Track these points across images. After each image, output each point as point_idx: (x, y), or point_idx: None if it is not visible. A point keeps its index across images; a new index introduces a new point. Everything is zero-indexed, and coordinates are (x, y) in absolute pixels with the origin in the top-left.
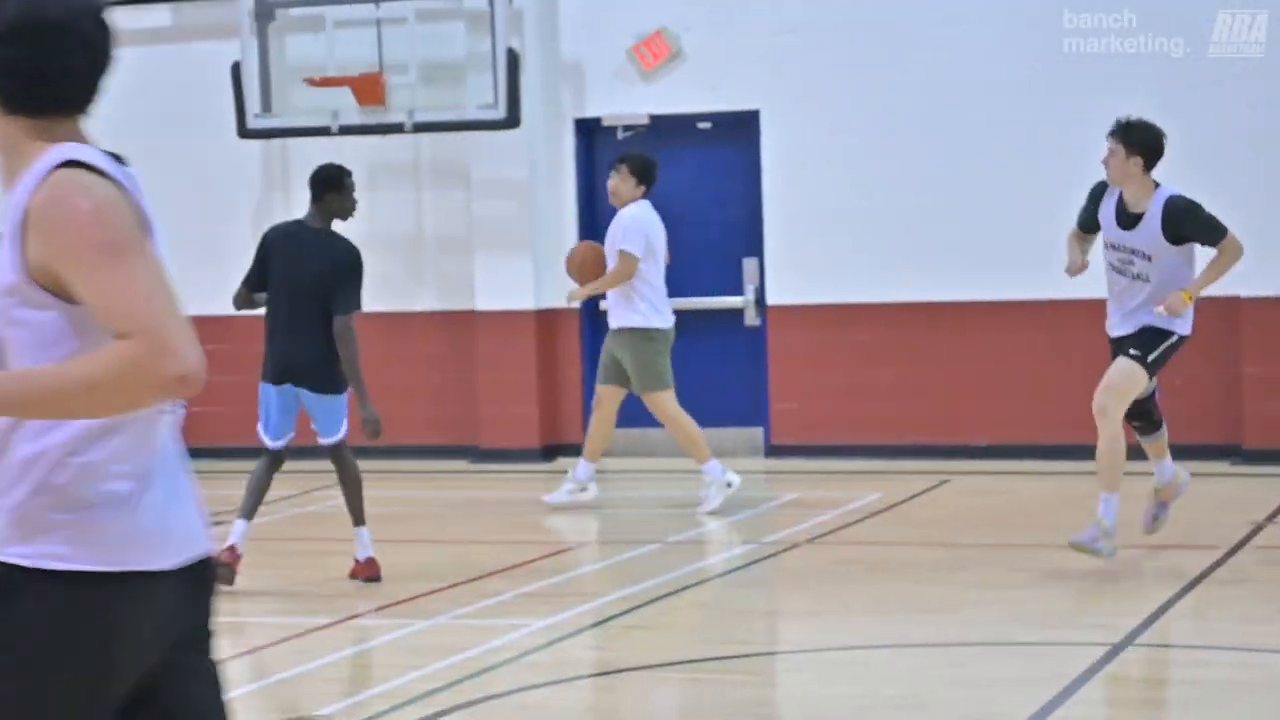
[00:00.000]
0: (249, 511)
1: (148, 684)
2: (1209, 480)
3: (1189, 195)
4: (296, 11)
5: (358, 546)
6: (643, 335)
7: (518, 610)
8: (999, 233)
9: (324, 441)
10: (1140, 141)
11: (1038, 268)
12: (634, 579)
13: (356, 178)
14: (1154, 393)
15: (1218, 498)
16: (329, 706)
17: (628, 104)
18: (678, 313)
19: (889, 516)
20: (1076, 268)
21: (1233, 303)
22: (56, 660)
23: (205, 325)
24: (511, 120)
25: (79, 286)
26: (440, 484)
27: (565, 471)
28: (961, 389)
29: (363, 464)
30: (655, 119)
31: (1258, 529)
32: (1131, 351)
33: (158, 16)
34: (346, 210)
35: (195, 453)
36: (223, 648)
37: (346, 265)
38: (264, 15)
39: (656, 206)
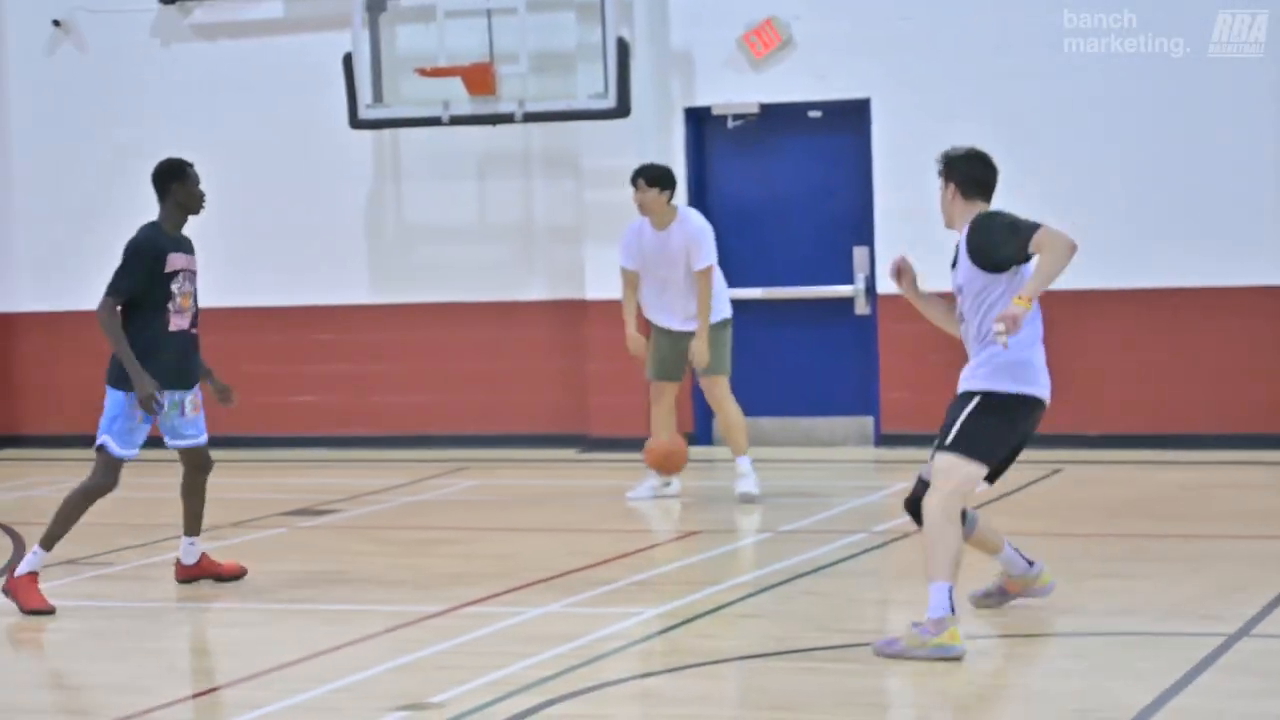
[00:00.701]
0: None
1: None
2: None
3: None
4: (408, 2)
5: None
6: (721, 324)
7: (629, 599)
8: (1111, 219)
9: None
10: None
11: (1143, 257)
12: (746, 568)
13: (467, 167)
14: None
15: None
16: (440, 694)
17: (738, 93)
18: (787, 301)
19: (1000, 505)
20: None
21: None
22: None
23: (316, 314)
24: (621, 109)
25: None
26: (550, 473)
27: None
28: (1074, 377)
29: (473, 452)
30: (765, 108)
31: None
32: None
33: (270, 8)
34: (195, 201)
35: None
36: (334, 635)
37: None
38: (375, 6)
39: (768, 194)
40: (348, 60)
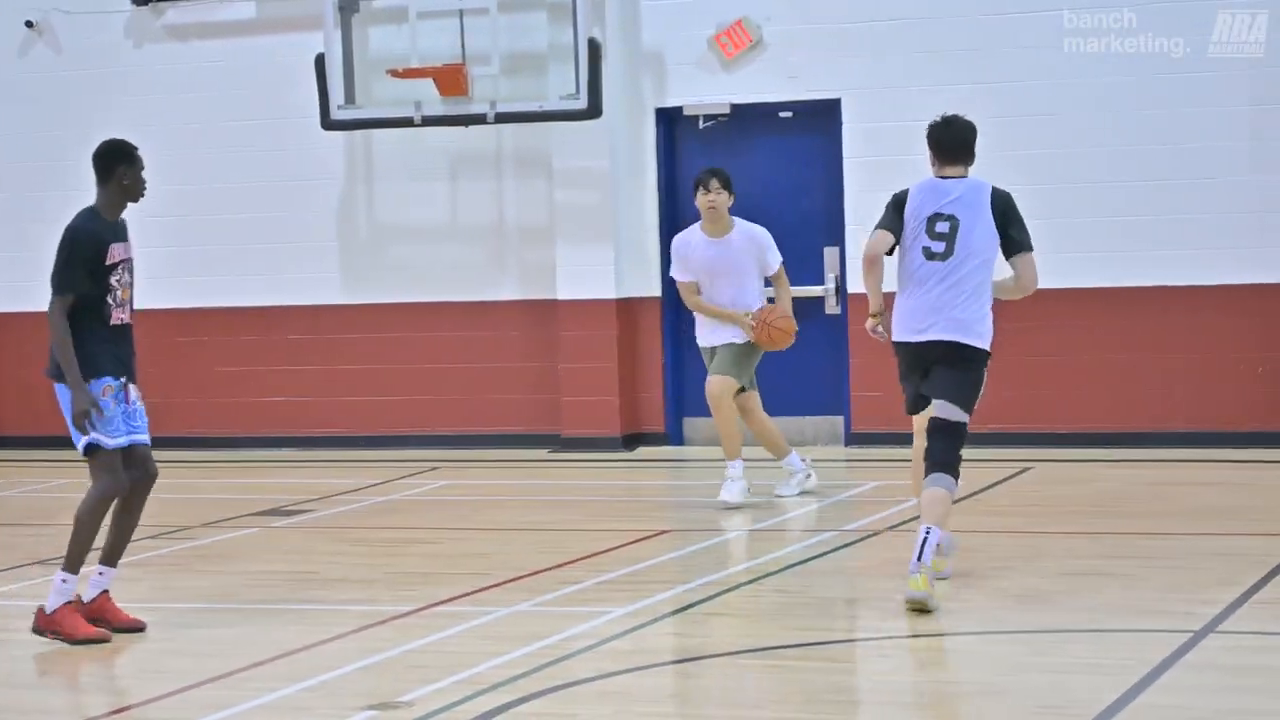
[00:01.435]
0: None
1: None
2: None
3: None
4: (380, 3)
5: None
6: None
7: (599, 597)
8: (1081, 219)
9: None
10: (930, 134)
11: (1112, 256)
12: (715, 566)
13: (439, 168)
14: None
15: None
16: (409, 693)
17: (709, 93)
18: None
19: (970, 504)
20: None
21: None
22: None
23: (288, 315)
24: (593, 110)
25: None
26: (522, 473)
27: (647, 460)
28: (1042, 377)
29: (445, 452)
30: (736, 108)
31: None
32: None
33: (242, 9)
34: (140, 187)
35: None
36: (305, 635)
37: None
38: (347, 7)
39: (740, 194)
40: (319, 61)
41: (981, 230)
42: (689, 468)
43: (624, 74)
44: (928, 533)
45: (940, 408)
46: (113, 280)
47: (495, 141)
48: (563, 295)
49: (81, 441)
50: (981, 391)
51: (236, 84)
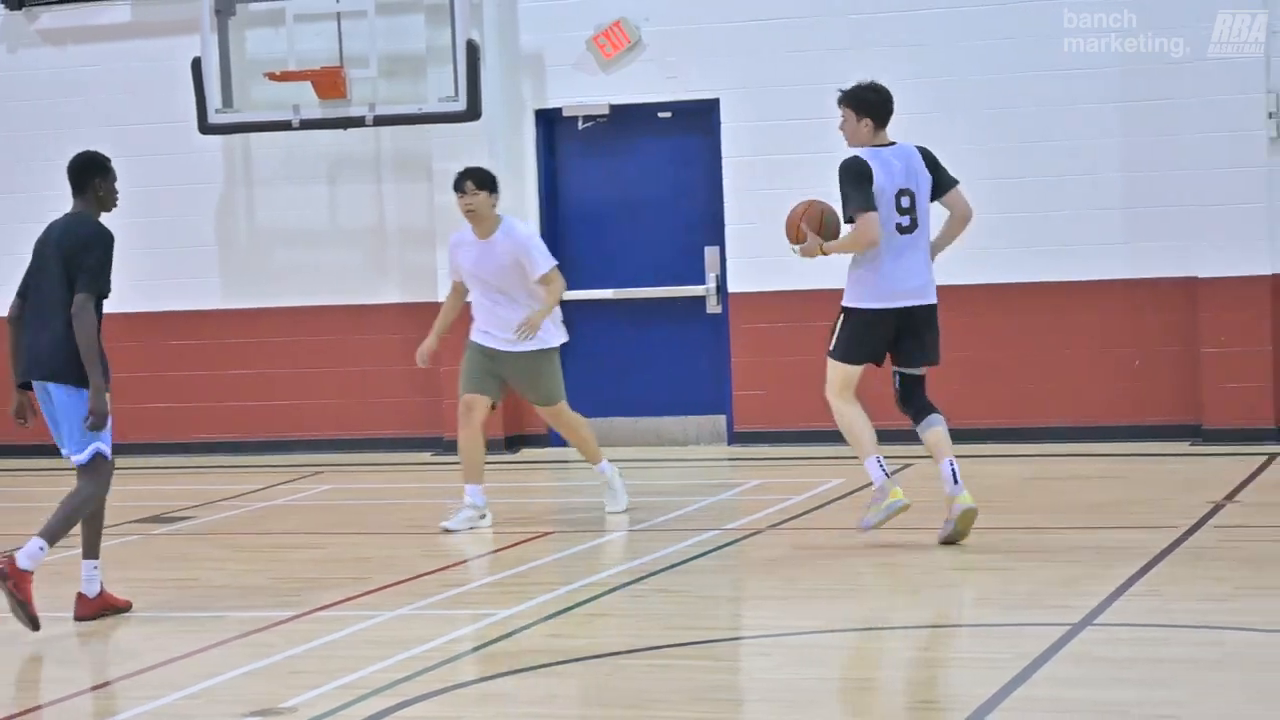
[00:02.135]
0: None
1: None
2: (1169, 460)
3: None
4: (256, 6)
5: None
6: (553, 351)
7: (483, 600)
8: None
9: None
10: (867, 101)
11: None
12: (598, 567)
13: (318, 171)
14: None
15: (1178, 477)
16: (293, 699)
17: (588, 94)
18: (639, 301)
19: (851, 502)
20: None
21: (1190, 283)
22: None
23: (169, 320)
24: (472, 112)
25: None
26: (405, 475)
27: (530, 462)
28: None
29: (329, 456)
30: (615, 109)
31: (1217, 508)
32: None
33: (118, 13)
34: (114, 198)
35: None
36: (186, 642)
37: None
38: (224, 10)
39: (620, 194)
40: (196, 65)
41: (925, 195)
42: (572, 469)
43: (503, 76)
44: (952, 463)
45: (925, 366)
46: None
47: (374, 144)
48: (444, 298)
49: (89, 449)
50: None
51: (113, 88)
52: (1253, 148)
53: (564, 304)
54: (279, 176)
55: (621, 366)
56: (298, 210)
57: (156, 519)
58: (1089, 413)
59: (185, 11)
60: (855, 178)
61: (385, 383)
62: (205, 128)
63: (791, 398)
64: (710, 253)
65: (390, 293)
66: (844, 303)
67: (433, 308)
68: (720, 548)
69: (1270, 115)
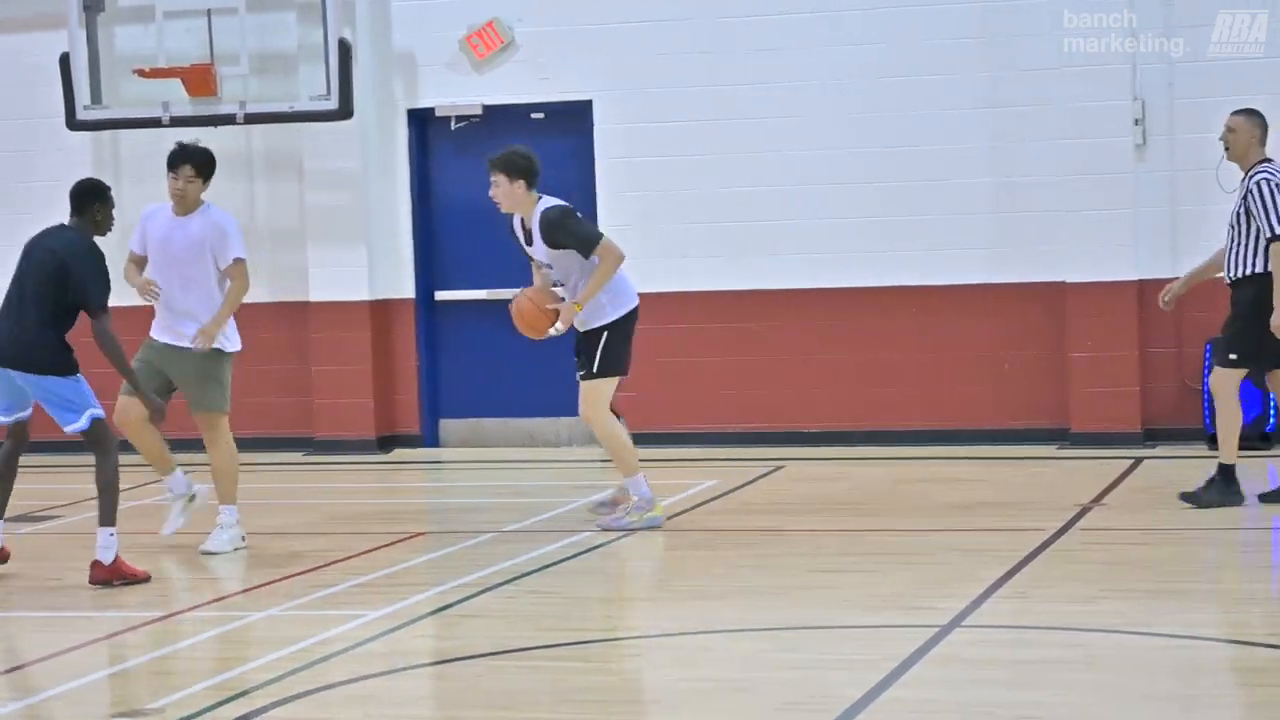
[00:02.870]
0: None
1: None
2: (1037, 463)
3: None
4: (125, 2)
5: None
6: (228, 356)
7: (352, 601)
8: (825, 221)
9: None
10: (519, 167)
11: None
12: (469, 568)
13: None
14: None
15: (1045, 480)
16: (160, 700)
17: (461, 94)
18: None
19: (724, 503)
20: None
21: (1058, 288)
22: None
23: None
24: (344, 111)
25: None
26: (275, 476)
27: (402, 463)
28: (794, 376)
29: (196, 456)
30: (488, 109)
31: (1083, 511)
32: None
33: None
34: (109, 224)
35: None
36: (51, 643)
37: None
38: (93, 6)
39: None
40: (64, 60)
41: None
42: (445, 469)
43: (375, 75)
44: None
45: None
46: None
47: (245, 142)
48: (315, 297)
49: (86, 415)
50: None
51: None
52: (1119, 154)
53: (437, 304)
54: (149, 174)
55: (493, 367)
56: None
57: (23, 518)
58: (957, 416)
59: (53, 6)
60: (571, 218)
61: (255, 382)
62: (74, 124)
63: (663, 398)
64: None
65: (261, 291)
66: (602, 323)
67: (301, 307)
68: (591, 549)
69: (1136, 122)
